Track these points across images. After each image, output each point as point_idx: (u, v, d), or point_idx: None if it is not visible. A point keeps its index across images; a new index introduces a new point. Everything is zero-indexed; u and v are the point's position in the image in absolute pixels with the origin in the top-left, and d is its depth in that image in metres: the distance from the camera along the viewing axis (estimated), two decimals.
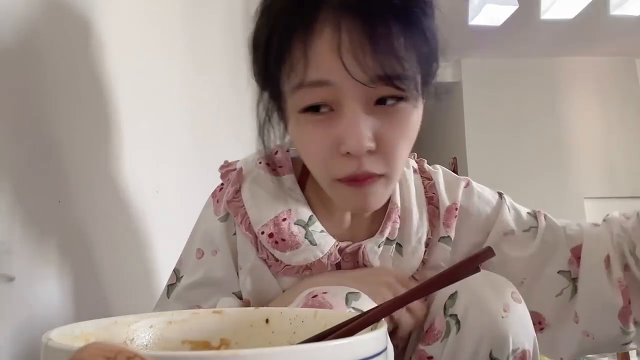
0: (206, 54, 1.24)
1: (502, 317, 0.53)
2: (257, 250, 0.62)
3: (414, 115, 0.55)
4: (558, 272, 0.64)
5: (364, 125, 0.51)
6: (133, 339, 0.35)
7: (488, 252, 0.31)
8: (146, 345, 0.36)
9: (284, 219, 0.60)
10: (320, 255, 0.60)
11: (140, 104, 0.83)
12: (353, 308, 0.50)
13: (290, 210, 0.61)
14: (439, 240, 0.66)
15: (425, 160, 0.72)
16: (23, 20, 0.56)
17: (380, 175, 0.54)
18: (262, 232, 0.60)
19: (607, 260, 0.61)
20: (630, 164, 4.37)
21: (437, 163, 0.71)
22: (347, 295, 0.52)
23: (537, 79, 4.49)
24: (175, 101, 1.02)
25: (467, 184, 0.70)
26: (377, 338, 0.27)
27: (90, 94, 0.69)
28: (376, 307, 0.33)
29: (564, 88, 4.52)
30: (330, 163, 0.54)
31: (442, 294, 0.57)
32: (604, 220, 0.65)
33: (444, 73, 4.62)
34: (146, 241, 0.82)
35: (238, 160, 0.68)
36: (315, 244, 0.60)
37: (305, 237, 0.60)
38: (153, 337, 0.37)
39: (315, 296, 0.51)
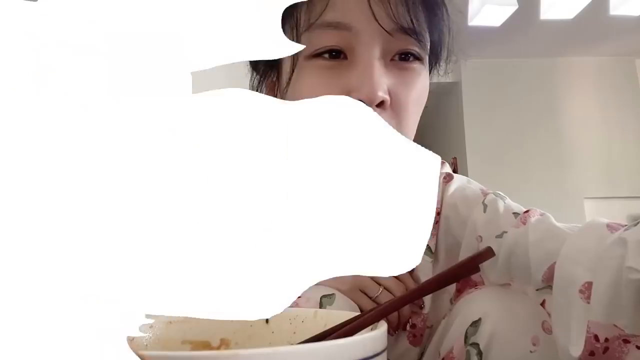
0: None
1: (531, 351, 0.47)
2: None
3: (425, 80, 0.53)
4: (537, 291, 0.51)
5: (379, 72, 0.48)
6: (133, 339, 0.35)
7: (488, 252, 0.31)
8: (146, 345, 0.36)
9: None
10: None
11: None
12: None
13: None
14: None
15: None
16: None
17: None
18: None
19: (587, 290, 0.43)
20: (630, 164, 4.38)
21: None
22: (321, 299, 0.50)
23: (537, 79, 4.49)
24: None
25: (447, 179, 0.62)
26: (377, 338, 0.27)
27: None
28: (376, 307, 0.33)
29: (564, 88, 4.53)
30: None
31: (464, 319, 0.50)
32: (626, 228, 0.42)
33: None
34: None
35: None
36: None
37: None
38: (153, 337, 0.37)
39: None
